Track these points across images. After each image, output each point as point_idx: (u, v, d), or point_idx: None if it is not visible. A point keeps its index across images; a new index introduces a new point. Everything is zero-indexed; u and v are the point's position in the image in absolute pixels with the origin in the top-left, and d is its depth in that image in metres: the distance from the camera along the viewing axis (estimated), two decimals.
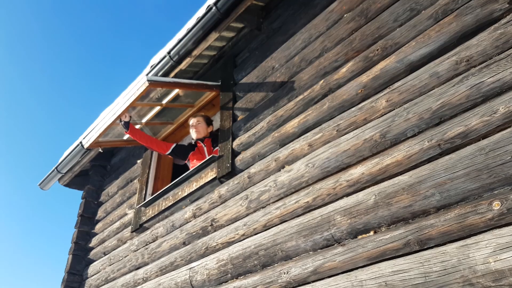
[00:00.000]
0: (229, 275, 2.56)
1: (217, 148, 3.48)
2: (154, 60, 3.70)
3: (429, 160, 1.74)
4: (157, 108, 3.73)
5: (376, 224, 1.84)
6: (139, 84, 3.14)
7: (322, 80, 2.49)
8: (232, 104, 3.27)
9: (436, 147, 1.73)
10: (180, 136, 4.35)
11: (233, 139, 3.09)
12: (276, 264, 2.28)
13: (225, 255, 2.62)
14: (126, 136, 4.05)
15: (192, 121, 3.69)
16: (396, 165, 1.85)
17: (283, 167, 2.53)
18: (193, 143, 3.69)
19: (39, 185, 5.60)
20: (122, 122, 3.45)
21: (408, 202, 1.73)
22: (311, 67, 2.60)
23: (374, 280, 1.70)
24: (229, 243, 2.68)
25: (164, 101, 3.66)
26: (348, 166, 2.10)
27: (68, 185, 5.66)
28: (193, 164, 3.59)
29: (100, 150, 3.80)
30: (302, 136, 2.48)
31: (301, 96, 2.60)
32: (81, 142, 4.20)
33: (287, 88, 2.76)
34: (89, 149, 4.46)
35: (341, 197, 2.06)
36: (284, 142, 2.61)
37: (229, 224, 2.77)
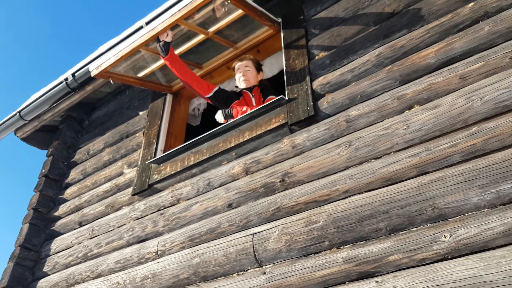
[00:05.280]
0: (327, 242, 1.87)
1: (271, 97, 2.80)
2: None
3: None
4: (198, 38, 2.93)
5: None
6: None
7: (472, 3, 1.97)
8: (305, 41, 2.63)
9: None
10: None
11: (312, 79, 2.44)
12: (419, 227, 1.66)
13: (321, 216, 1.93)
14: (155, 65, 3.10)
15: (238, 65, 2.92)
16: None
17: (411, 107, 1.94)
18: (237, 91, 2.94)
19: None
20: (162, 43, 2.58)
21: None
22: None
23: None
24: (318, 202, 2.00)
25: (211, 29, 2.88)
26: None
27: (26, 139, 4.50)
28: (237, 115, 2.83)
29: (111, 82, 2.88)
30: (446, 68, 1.91)
31: (435, 23, 2.05)
32: (84, 70, 3.23)
33: (406, 17, 2.19)
34: (80, 87, 3.49)
35: None
36: (409, 77, 2.02)
37: (315, 179, 2.09)
